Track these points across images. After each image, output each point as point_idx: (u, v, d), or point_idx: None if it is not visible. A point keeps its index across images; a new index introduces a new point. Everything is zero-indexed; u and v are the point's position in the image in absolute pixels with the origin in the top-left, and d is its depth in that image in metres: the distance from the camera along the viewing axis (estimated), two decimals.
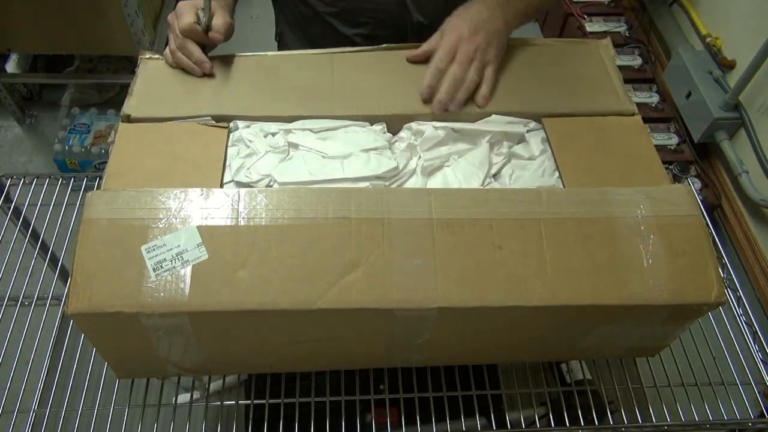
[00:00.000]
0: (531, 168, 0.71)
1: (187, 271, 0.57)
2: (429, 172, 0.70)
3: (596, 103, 0.76)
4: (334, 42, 0.88)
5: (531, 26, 2.57)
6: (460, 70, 0.71)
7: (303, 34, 0.99)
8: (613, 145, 0.72)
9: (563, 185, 0.69)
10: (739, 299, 0.81)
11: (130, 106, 0.71)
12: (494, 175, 0.71)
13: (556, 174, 0.71)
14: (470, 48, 0.72)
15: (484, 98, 0.73)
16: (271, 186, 0.66)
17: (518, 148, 0.73)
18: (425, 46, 0.76)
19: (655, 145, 0.72)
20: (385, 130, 0.74)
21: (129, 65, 1.91)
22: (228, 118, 0.72)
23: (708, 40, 1.79)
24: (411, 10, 0.88)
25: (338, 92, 0.75)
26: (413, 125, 0.74)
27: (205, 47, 0.76)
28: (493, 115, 0.74)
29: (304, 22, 0.97)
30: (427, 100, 0.73)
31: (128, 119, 0.71)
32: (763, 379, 0.73)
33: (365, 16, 0.91)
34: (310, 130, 0.72)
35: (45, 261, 0.94)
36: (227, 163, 0.68)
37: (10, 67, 1.93)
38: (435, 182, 0.69)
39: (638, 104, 1.88)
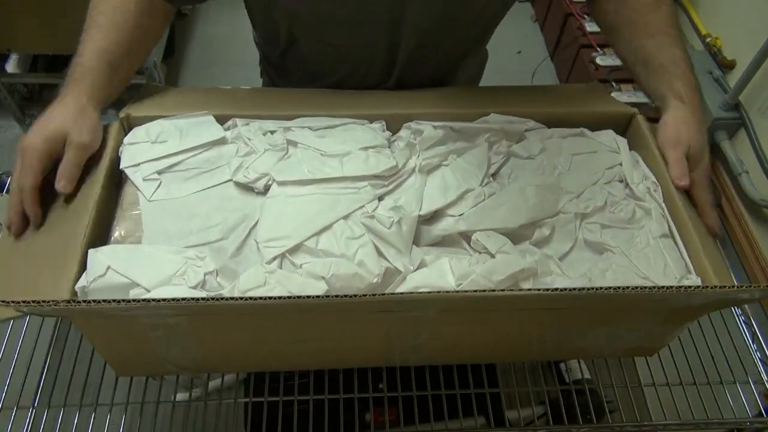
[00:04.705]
0: (530, 167, 0.71)
1: None
2: (428, 171, 0.70)
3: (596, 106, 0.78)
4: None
5: (531, 26, 2.56)
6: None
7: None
8: None
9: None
10: None
11: (131, 106, 0.72)
12: (493, 175, 0.72)
13: (556, 172, 0.71)
14: (707, 173, 0.74)
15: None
16: (270, 185, 0.66)
17: (517, 147, 0.73)
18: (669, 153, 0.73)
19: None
20: (384, 128, 0.74)
21: None
22: (227, 116, 0.72)
23: (708, 40, 1.79)
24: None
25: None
26: (412, 124, 0.74)
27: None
28: (492, 114, 0.74)
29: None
30: None
31: (128, 118, 0.71)
32: (762, 379, 0.73)
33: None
34: (309, 128, 0.72)
35: None
36: (227, 162, 0.68)
37: (10, 67, 1.93)
38: (433, 182, 0.69)
39: (638, 104, 1.89)
